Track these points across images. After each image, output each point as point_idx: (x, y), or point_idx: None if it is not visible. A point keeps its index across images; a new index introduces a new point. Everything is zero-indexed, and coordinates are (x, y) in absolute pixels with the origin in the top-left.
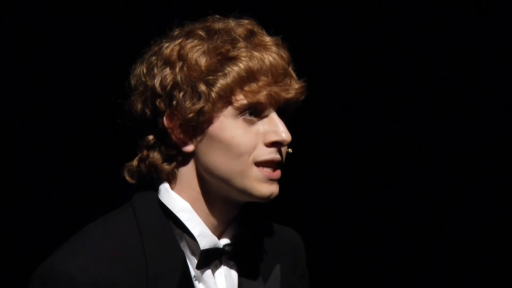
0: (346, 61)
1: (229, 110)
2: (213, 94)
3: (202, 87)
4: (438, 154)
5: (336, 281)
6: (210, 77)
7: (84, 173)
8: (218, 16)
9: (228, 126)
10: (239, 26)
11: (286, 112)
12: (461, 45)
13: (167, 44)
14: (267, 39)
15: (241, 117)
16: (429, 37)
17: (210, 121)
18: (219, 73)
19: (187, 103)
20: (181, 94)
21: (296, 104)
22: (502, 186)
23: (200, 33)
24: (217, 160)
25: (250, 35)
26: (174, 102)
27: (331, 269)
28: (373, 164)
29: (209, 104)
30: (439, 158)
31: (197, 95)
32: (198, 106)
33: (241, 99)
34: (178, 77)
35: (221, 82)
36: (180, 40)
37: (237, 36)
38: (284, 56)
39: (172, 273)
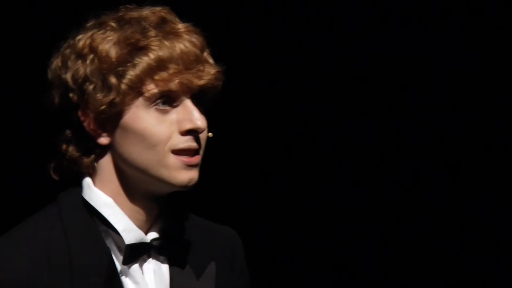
0: (269, 49)
1: (141, 100)
2: (123, 86)
3: (112, 79)
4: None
5: (275, 279)
6: (120, 69)
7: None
8: (132, 5)
9: (141, 116)
10: (151, 15)
11: (205, 99)
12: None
13: (80, 36)
14: (179, 26)
15: (154, 106)
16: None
17: (122, 113)
18: (129, 64)
19: (98, 95)
20: (91, 87)
21: (214, 91)
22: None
23: (112, 23)
24: (133, 151)
25: (162, 23)
26: (86, 96)
27: (270, 267)
28: (308, 157)
29: (119, 96)
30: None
31: (107, 87)
32: (108, 98)
33: (152, 88)
34: (90, 70)
35: (131, 73)
36: (92, 32)
37: (148, 25)
38: (196, 42)
39: (98, 270)
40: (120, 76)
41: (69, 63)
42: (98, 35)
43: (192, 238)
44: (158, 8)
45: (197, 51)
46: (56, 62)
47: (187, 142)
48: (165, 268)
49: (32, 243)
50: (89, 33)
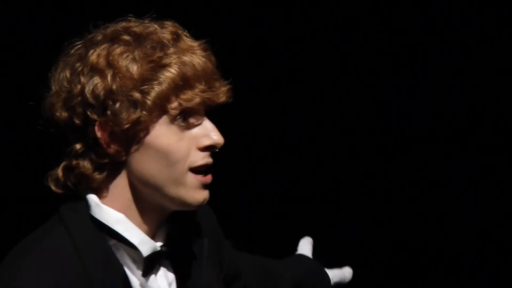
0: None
1: (164, 117)
2: (149, 103)
3: (138, 96)
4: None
5: None
6: (145, 86)
7: None
8: (132, 17)
9: (163, 133)
10: (163, 29)
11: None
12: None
13: (92, 50)
14: (194, 43)
15: (175, 123)
16: None
17: (145, 130)
18: (154, 82)
19: (123, 113)
20: (117, 105)
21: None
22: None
23: (126, 38)
24: (152, 168)
25: (176, 39)
26: (109, 112)
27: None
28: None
29: (145, 113)
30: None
31: (133, 104)
32: (134, 116)
33: (175, 106)
34: (113, 87)
35: (156, 90)
36: (105, 46)
37: (166, 41)
38: (212, 60)
39: (116, 286)
40: (145, 93)
41: (82, 78)
42: (114, 49)
43: (188, 234)
44: (168, 23)
45: (214, 68)
46: (63, 74)
47: (205, 158)
48: (170, 273)
49: (52, 265)
50: (102, 46)
